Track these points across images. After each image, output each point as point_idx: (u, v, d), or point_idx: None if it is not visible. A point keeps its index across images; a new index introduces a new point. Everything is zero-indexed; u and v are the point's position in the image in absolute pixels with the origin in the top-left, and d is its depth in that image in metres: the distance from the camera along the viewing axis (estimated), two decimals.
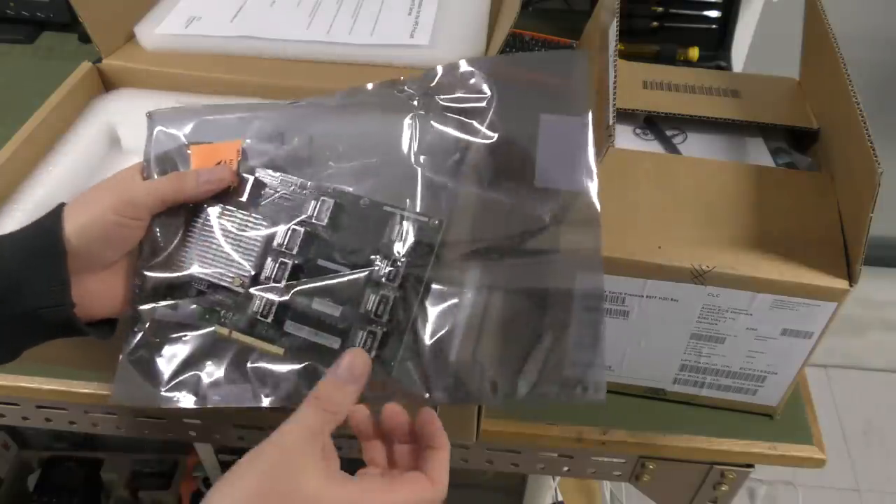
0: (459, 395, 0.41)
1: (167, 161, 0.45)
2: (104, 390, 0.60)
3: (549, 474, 0.99)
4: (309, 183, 0.44)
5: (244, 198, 0.44)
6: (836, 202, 0.50)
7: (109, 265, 0.43)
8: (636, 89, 0.61)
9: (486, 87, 0.45)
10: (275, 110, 0.47)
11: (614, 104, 0.45)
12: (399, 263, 0.42)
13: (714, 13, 0.85)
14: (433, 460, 0.38)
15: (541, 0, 0.99)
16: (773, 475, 1.37)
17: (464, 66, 0.46)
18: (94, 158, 0.64)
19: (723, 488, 0.61)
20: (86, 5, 0.65)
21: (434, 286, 0.42)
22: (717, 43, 0.86)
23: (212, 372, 0.42)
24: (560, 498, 1.11)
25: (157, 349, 0.43)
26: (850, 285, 0.46)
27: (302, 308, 0.42)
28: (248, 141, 0.45)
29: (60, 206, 0.41)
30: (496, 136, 0.44)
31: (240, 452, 0.36)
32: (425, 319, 0.42)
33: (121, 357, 0.44)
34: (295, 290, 0.43)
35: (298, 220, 0.44)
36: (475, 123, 0.45)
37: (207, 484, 1.12)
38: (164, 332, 0.43)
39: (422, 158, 0.44)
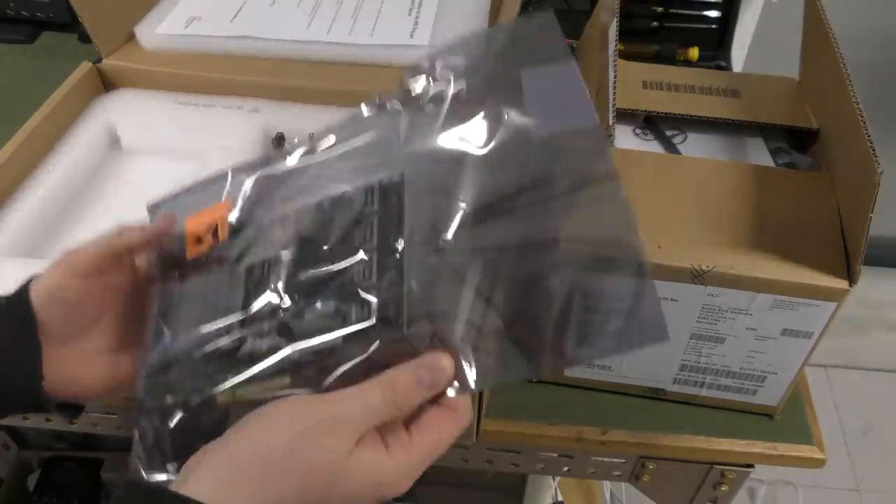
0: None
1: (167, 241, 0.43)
2: None
3: (549, 474, 0.99)
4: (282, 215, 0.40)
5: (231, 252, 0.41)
6: (836, 202, 0.50)
7: (76, 337, 0.40)
8: (636, 89, 0.61)
9: (460, 77, 0.41)
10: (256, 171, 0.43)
11: (614, 104, 0.45)
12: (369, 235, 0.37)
13: (714, 13, 0.85)
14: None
15: (541, 0, 0.99)
16: (773, 475, 1.37)
17: (437, 62, 0.41)
18: (94, 158, 0.65)
19: (723, 488, 0.61)
20: (86, 5, 0.66)
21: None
22: (716, 43, 0.86)
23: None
24: (560, 498, 1.11)
25: (161, 430, 0.39)
26: (850, 285, 0.46)
27: (301, 328, 0.37)
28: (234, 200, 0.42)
29: (30, 278, 0.39)
30: (490, 143, 0.39)
31: None
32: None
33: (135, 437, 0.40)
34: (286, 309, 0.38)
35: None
36: (465, 129, 0.39)
37: None
38: (166, 411, 0.39)
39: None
